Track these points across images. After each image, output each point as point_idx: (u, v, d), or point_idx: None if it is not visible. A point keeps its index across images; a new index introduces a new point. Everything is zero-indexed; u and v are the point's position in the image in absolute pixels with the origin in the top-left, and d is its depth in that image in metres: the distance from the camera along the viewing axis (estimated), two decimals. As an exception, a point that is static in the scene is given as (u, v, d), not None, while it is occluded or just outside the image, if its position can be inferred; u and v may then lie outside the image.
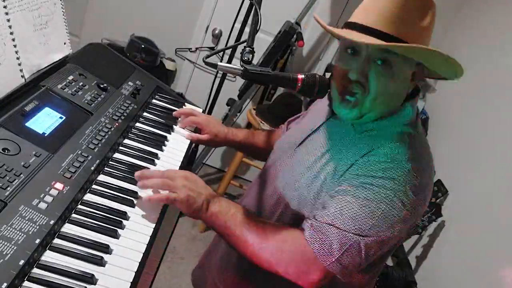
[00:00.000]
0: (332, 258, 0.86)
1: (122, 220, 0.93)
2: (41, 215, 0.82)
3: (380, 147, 0.90)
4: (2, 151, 0.88)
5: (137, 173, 1.00)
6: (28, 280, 0.74)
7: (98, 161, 1.03)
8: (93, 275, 0.79)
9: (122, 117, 1.22)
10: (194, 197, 0.95)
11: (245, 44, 0.96)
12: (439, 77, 0.96)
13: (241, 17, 2.41)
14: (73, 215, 0.90)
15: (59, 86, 1.15)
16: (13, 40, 1.01)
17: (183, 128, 1.37)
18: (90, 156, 1.02)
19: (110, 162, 1.08)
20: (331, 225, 0.87)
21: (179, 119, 1.40)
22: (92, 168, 1.00)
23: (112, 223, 0.91)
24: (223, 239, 0.99)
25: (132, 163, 1.12)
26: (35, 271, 0.76)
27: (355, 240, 0.86)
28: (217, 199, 0.98)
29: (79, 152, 1.01)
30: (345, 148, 0.95)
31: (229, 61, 2.62)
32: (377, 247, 0.89)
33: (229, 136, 1.35)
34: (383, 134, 0.93)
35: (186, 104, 1.54)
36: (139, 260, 0.87)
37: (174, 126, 1.36)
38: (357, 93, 0.90)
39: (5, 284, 0.69)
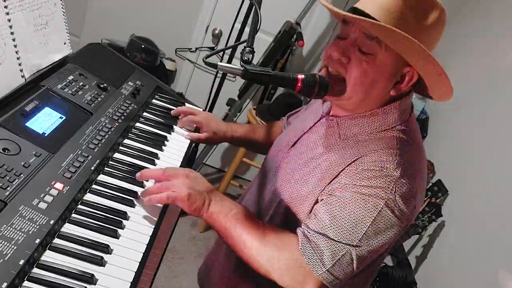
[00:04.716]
0: (324, 268, 0.86)
1: (122, 220, 0.93)
2: (41, 215, 0.82)
3: (368, 154, 0.89)
4: (2, 151, 0.88)
5: (137, 174, 1.01)
6: (28, 280, 0.74)
7: (98, 161, 1.02)
8: (93, 275, 0.79)
9: (122, 117, 1.22)
10: (195, 195, 0.94)
11: (245, 44, 0.96)
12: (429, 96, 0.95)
13: (241, 17, 2.41)
14: (73, 215, 0.90)
15: (59, 86, 1.15)
16: (14, 40, 1.01)
17: (182, 128, 1.37)
18: (90, 156, 1.02)
19: (110, 162, 1.08)
20: (322, 234, 0.88)
21: (179, 117, 1.39)
22: (92, 168, 1.00)
23: (112, 223, 0.91)
24: (222, 239, 0.99)
25: (132, 163, 1.12)
26: (35, 271, 0.76)
27: (347, 250, 0.86)
28: (219, 198, 0.98)
29: (79, 152, 1.01)
30: (332, 153, 0.95)
31: (229, 61, 2.62)
32: (370, 256, 0.90)
33: (228, 134, 1.37)
34: (369, 139, 0.92)
35: (186, 104, 1.54)
36: (139, 260, 0.87)
37: (174, 126, 1.36)
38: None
39: (5, 284, 0.69)
